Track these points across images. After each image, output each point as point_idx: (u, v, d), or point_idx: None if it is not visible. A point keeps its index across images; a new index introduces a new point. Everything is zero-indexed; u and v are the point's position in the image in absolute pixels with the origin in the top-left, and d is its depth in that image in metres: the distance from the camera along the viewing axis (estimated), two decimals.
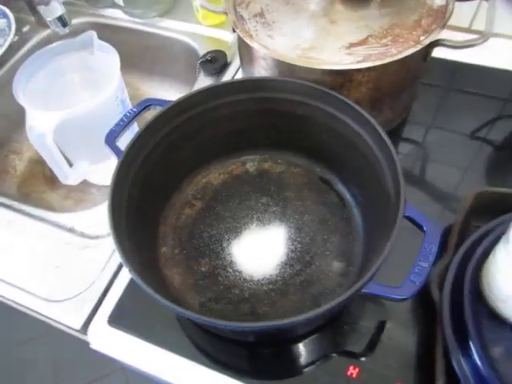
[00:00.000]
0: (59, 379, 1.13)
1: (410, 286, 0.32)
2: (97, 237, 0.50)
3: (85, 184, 0.67)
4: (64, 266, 0.48)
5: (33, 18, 0.77)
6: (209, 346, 0.43)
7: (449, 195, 0.52)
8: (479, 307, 0.37)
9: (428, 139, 0.58)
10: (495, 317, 0.36)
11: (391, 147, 0.38)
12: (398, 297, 0.32)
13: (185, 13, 0.73)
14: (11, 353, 1.18)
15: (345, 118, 0.43)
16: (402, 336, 0.42)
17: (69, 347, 1.11)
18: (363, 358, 0.41)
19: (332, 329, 0.43)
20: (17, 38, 0.74)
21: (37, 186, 0.71)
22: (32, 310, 0.47)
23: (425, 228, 0.34)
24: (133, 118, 0.44)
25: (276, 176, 0.51)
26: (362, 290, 0.32)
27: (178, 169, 0.49)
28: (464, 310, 0.35)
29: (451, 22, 0.46)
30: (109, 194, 0.38)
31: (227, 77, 0.63)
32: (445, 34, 0.46)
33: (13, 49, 0.72)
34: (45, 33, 0.77)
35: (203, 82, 0.63)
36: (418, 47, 0.43)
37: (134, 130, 0.57)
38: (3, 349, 1.19)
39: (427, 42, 0.43)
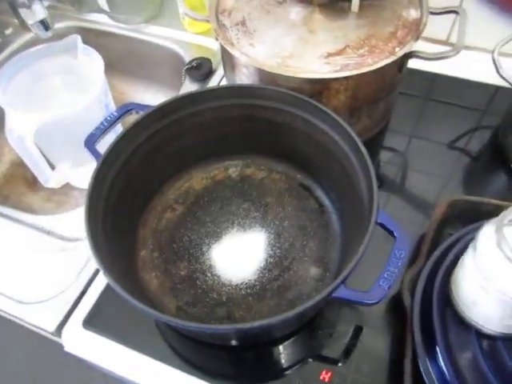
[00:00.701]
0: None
1: (379, 291, 0.32)
2: (76, 239, 0.50)
3: (67, 187, 0.67)
4: (40, 268, 0.48)
5: (16, 21, 0.77)
6: (186, 351, 0.43)
7: (426, 203, 0.54)
8: (447, 313, 0.37)
9: (407, 148, 0.59)
10: (462, 322, 0.36)
11: (366, 154, 0.39)
12: (367, 301, 0.32)
13: (170, 19, 0.74)
14: None
15: (323, 125, 0.44)
16: (374, 341, 0.43)
17: (49, 355, 1.10)
18: (337, 363, 0.42)
19: (307, 334, 0.44)
20: (0, 40, 0.74)
21: (17, 189, 0.71)
22: (5, 312, 0.46)
23: (395, 234, 0.35)
24: (114, 122, 0.45)
25: (258, 182, 0.51)
26: (333, 295, 0.33)
27: (160, 172, 0.49)
28: (433, 315, 0.36)
29: (430, 34, 0.47)
30: (86, 197, 0.39)
31: (212, 83, 0.64)
32: (423, 46, 0.47)
33: None
34: (28, 36, 0.76)
35: (188, 87, 0.64)
36: (393, 58, 0.44)
37: (118, 133, 0.57)
38: None
39: (401, 53, 0.45)
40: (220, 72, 0.65)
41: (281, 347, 0.43)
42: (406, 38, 0.46)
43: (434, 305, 0.36)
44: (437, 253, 0.40)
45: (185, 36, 0.71)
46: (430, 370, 0.34)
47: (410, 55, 0.46)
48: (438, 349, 0.34)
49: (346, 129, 0.41)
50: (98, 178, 0.40)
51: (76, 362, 0.44)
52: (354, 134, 0.41)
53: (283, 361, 0.43)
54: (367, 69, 0.43)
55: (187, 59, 0.68)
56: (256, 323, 0.31)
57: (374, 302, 0.32)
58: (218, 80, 0.65)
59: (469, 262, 0.35)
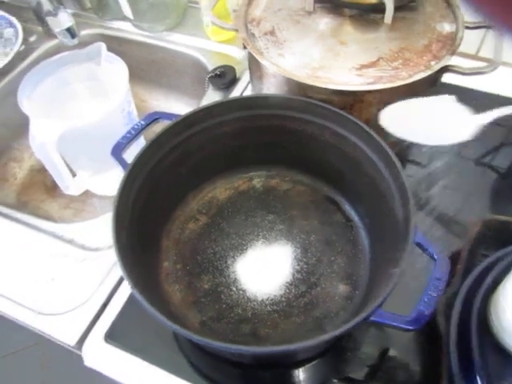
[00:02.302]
0: None
1: (420, 316, 0.31)
2: (96, 249, 0.49)
3: (85, 194, 0.66)
4: (60, 278, 0.47)
5: (40, 28, 0.77)
6: (206, 367, 0.42)
7: (452, 220, 0.52)
8: (486, 339, 0.36)
9: (433, 163, 0.57)
10: (502, 350, 0.35)
11: (400, 170, 0.38)
12: (408, 327, 0.31)
13: (193, 28, 0.74)
14: (3, 361, 1.14)
15: (354, 138, 0.43)
16: (404, 365, 0.41)
17: (58, 359, 1.09)
18: None
19: (333, 354, 0.42)
20: (23, 47, 0.74)
21: (36, 195, 0.70)
22: (24, 324, 0.45)
23: (435, 256, 0.34)
24: (140, 131, 0.44)
25: (282, 193, 0.50)
26: (370, 318, 0.31)
27: (184, 182, 0.48)
28: (471, 342, 0.35)
29: (459, 48, 0.46)
30: (113, 206, 0.38)
31: (236, 92, 0.63)
32: (452, 60, 0.46)
33: (18, 58, 0.72)
34: (52, 43, 0.77)
35: (212, 96, 0.63)
36: (429, 72, 0.43)
37: (139, 142, 0.57)
38: None
39: (438, 67, 0.43)
40: (244, 81, 0.65)
41: (307, 366, 0.42)
42: (441, 51, 0.45)
43: (472, 331, 0.35)
44: (473, 275, 0.39)
45: (208, 44, 0.71)
46: None
47: (445, 69, 0.45)
48: (478, 379, 0.33)
49: (380, 143, 0.40)
50: (125, 187, 0.39)
51: (86, 369, 0.43)
52: (387, 149, 0.39)
53: (309, 381, 0.41)
54: (402, 82, 0.42)
55: (210, 67, 0.67)
56: (292, 346, 0.30)
57: (414, 327, 0.31)
58: (241, 89, 0.64)
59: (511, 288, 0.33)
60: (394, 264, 0.35)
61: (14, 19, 0.75)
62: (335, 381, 0.41)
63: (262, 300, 0.43)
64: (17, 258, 0.50)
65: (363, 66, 0.44)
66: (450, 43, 0.46)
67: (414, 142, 0.42)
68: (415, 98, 0.43)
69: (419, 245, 0.35)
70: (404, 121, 0.42)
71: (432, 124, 0.43)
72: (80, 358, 0.44)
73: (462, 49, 0.63)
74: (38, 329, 0.44)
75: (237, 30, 0.49)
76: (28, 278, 0.47)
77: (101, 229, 0.51)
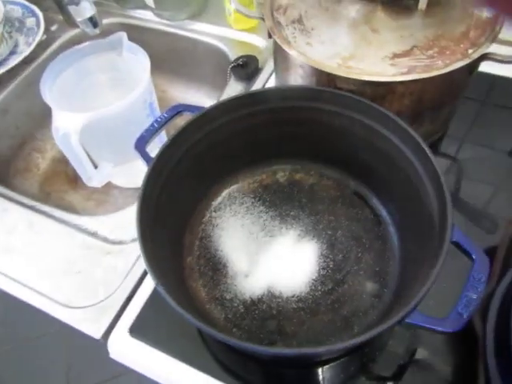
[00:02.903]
0: (71, 376, 1.12)
1: (458, 319, 0.30)
2: (120, 242, 0.49)
3: (107, 186, 0.66)
4: (86, 271, 0.47)
5: (61, 17, 0.77)
6: (230, 362, 0.42)
7: (484, 215, 0.50)
8: None
9: (465, 155, 0.55)
10: None
11: (436, 164, 0.36)
12: (445, 330, 0.29)
13: (215, 16, 0.72)
14: (24, 348, 1.18)
15: (385, 131, 0.41)
16: (435, 366, 0.39)
17: (82, 345, 1.11)
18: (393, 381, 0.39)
19: (361, 353, 0.41)
20: (45, 36, 0.74)
21: (59, 186, 0.71)
22: (50, 316, 0.45)
23: (473, 256, 0.32)
24: (164, 124, 0.43)
25: (308, 188, 0.49)
26: (406, 320, 0.30)
27: (207, 177, 0.47)
28: (510, 344, 0.33)
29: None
30: (137, 201, 0.37)
31: (258, 82, 0.62)
32: (491, 48, 0.43)
33: (40, 47, 0.72)
34: (73, 32, 0.76)
35: (234, 86, 0.62)
36: (467, 61, 0.41)
37: (160, 136, 0.56)
38: (16, 344, 1.19)
39: (476, 55, 0.41)
40: (266, 71, 0.63)
41: (334, 364, 0.41)
42: (480, 38, 0.43)
43: (511, 333, 0.33)
44: (511, 274, 0.37)
45: (230, 33, 0.69)
46: None
47: (483, 57, 0.42)
48: None
49: (413, 136, 0.38)
50: (150, 181, 0.39)
51: (109, 356, 0.43)
52: (422, 142, 0.38)
53: (336, 379, 0.40)
54: (438, 72, 0.40)
55: (232, 57, 0.66)
56: (321, 349, 0.29)
57: (452, 330, 0.29)
58: (264, 79, 0.62)
59: None
60: (429, 263, 0.34)
61: (35, 8, 0.74)
62: (363, 379, 0.40)
63: (288, 297, 0.42)
64: (44, 251, 0.50)
65: (396, 55, 0.42)
66: (490, 29, 0.43)
67: None
68: None
69: (456, 243, 0.33)
70: None
71: None
72: (103, 346, 0.44)
73: (500, 35, 0.60)
74: (64, 322, 0.44)
75: (262, 18, 0.48)
76: (55, 271, 0.48)
77: (124, 222, 0.51)
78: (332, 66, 0.42)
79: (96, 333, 0.43)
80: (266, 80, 0.62)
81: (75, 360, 1.14)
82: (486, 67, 0.55)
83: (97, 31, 0.59)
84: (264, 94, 0.44)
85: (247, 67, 0.62)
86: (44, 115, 0.73)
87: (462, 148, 0.56)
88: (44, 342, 1.18)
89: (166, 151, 0.40)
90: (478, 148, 0.56)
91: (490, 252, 0.43)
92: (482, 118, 0.58)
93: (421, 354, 0.40)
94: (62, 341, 1.15)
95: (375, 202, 0.47)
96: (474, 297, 0.30)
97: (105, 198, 0.68)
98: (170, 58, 0.75)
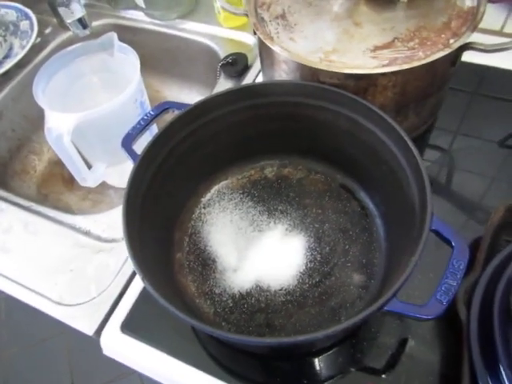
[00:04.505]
0: (76, 377, 1.13)
1: (437, 306, 0.30)
2: (112, 240, 0.50)
3: (102, 186, 0.67)
4: (78, 269, 0.48)
5: (55, 20, 0.78)
6: (223, 357, 0.42)
7: (475, 205, 0.50)
8: (509, 328, 0.34)
9: (454, 146, 0.55)
10: None
11: (418, 157, 0.36)
12: (424, 316, 0.30)
13: (205, 15, 0.73)
14: (28, 351, 1.19)
15: (368, 124, 0.41)
16: (423, 354, 0.40)
17: (86, 346, 1.12)
18: (383, 375, 0.39)
19: (350, 344, 0.41)
20: (39, 39, 0.75)
21: (56, 187, 0.72)
22: (44, 313, 0.46)
23: (453, 243, 0.32)
24: (150, 121, 0.43)
25: (295, 182, 0.49)
26: (385, 308, 0.30)
27: (196, 173, 0.48)
28: (494, 331, 0.33)
29: (482, 24, 0.43)
30: (123, 199, 0.38)
31: (248, 80, 0.62)
32: (473, 37, 0.43)
33: (35, 50, 0.73)
34: (66, 35, 0.77)
35: (223, 84, 0.62)
36: (448, 51, 0.41)
37: (153, 132, 0.57)
38: (21, 346, 1.20)
39: (457, 45, 0.41)
40: (256, 68, 0.64)
41: (323, 356, 0.41)
42: (461, 28, 0.43)
43: (494, 320, 0.33)
44: (495, 262, 0.37)
45: (220, 31, 0.70)
46: None
47: (465, 47, 0.42)
48: (501, 367, 0.31)
49: (395, 128, 0.39)
50: (136, 178, 0.39)
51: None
52: (404, 134, 0.38)
53: (326, 371, 0.41)
54: (418, 62, 0.40)
55: (222, 55, 0.66)
56: (301, 337, 0.29)
57: (431, 317, 0.30)
58: (253, 76, 0.63)
59: None
60: (410, 252, 0.34)
61: (29, 11, 0.75)
62: (353, 370, 0.40)
63: (276, 290, 0.42)
64: (38, 250, 0.51)
65: (377, 48, 0.43)
66: (472, 19, 0.43)
67: None
68: None
69: (436, 232, 0.33)
70: None
71: None
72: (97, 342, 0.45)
73: (486, 25, 0.60)
74: (57, 318, 0.45)
75: (247, 15, 0.48)
76: (48, 270, 0.48)
77: (116, 220, 0.52)
78: (314, 60, 0.43)
79: (89, 330, 0.44)
80: (256, 77, 0.63)
81: (79, 362, 1.15)
82: (474, 58, 0.56)
83: (87, 32, 0.60)
84: (249, 89, 0.45)
85: (236, 65, 0.63)
86: (40, 117, 0.73)
87: (453, 139, 0.56)
88: (48, 344, 1.19)
89: (151, 149, 0.41)
90: (468, 139, 0.56)
91: (477, 243, 0.43)
92: (472, 108, 0.58)
93: (409, 343, 0.41)
94: (66, 343, 1.17)
95: (362, 195, 0.47)
96: (454, 284, 0.31)
97: (101, 197, 0.69)
98: (162, 57, 0.76)
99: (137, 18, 0.75)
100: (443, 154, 0.55)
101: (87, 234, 0.51)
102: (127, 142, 0.42)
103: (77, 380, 1.13)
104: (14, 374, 1.16)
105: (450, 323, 0.40)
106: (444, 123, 0.57)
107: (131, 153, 0.41)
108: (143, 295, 0.45)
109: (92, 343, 0.47)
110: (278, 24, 0.47)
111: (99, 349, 0.44)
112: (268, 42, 0.44)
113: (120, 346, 0.43)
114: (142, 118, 0.43)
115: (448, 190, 0.52)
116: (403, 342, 0.41)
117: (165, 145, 0.42)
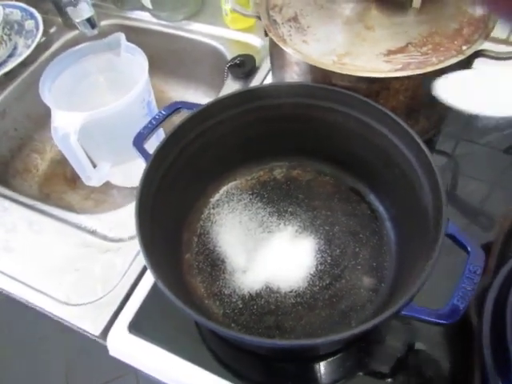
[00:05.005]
0: (71, 378, 1.12)
1: (454, 310, 0.30)
2: (119, 240, 0.49)
3: (105, 185, 0.67)
4: (84, 269, 0.47)
5: (60, 20, 0.77)
6: (229, 358, 0.42)
7: (480, 211, 0.50)
8: None
9: (460, 152, 0.56)
10: None
11: (431, 160, 0.36)
12: (442, 321, 0.30)
13: (212, 16, 0.73)
14: (23, 350, 1.17)
15: (381, 127, 0.42)
16: (432, 359, 0.40)
17: (82, 348, 1.11)
18: (391, 379, 0.39)
19: (358, 347, 0.41)
20: (44, 38, 0.74)
21: (58, 187, 0.71)
22: (50, 313, 0.46)
23: (469, 248, 0.33)
24: (162, 121, 0.43)
25: (305, 184, 0.49)
26: (402, 312, 0.30)
27: (204, 174, 0.48)
28: (506, 336, 0.33)
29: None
30: (136, 197, 0.37)
31: (255, 81, 0.62)
32: (483, 45, 0.44)
33: (39, 50, 0.72)
34: (71, 34, 0.77)
35: (231, 85, 0.62)
36: (461, 57, 0.41)
37: (160, 135, 0.56)
38: (15, 346, 1.18)
39: (470, 52, 0.42)
40: (263, 70, 0.64)
41: (331, 360, 0.41)
42: (473, 35, 0.43)
43: (507, 327, 0.33)
44: (507, 268, 0.37)
45: (227, 33, 0.70)
46: None
47: (477, 54, 0.43)
48: None
49: (409, 132, 0.39)
50: (148, 178, 0.39)
51: (108, 358, 0.43)
52: (417, 138, 0.38)
53: (333, 374, 0.41)
54: (432, 68, 0.40)
55: (229, 56, 0.66)
56: (320, 340, 0.29)
57: (448, 322, 0.30)
58: (261, 78, 0.63)
59: None
60: (424, 256, 0.34)
61: (34, 11, 0.75)
62: (360, 374, 0.40)
63: (286, 292, 0.42)
64: (43, 249, 0.50)
65: (391, 52, 0.43)
66: (483, 26, 0.44)
67: (481, 114, 0.39)
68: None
69: (451, 236, 0.33)
70: (466, 91, 0.39)
71: (497, 94, 0.40)
72: (103, 347, 0.44)
73: (492, 33, 0.61)
74: (63, 319, 0.44)
75: (258, 17, 0.48)
76: (54, 269, 0.48)
77: (122, 220, 0.51)
78: (327, 62, 0.43)
79: (95, 330, 0.43)
80: (263, 79, 0.63)
81: (75, 362, 1.14)
82: (480, 65, 0.56)
83: (95, 32, 0.60)
84: (260, 90, 0.45)
85: (244, 66, 0.63)
86: (43, 117, 0.73)
87: (458, 145, 0.56)
88: (44, 344, 1.17)
89: (163, 148, 0.41)
90: (473, 145, 0.56)
91: (485, 248, 0.43)
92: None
93: (418, 348, 0.41)
94: (62, 343, 1.15)
95: (372, 198, 0.47)
96: (470, 289, 0.31)
97: (103, 197, 0.69)
98: (168, 58, 0.76)
99: (143, 18, 0.75)
100: (449, 159, 0.55)
101: (93, 233, 0.50)
102: (139, 141, 0.42)
103: (72, 379, 1.12)
104: (6, 374, 1.14)
105: (459, 328, 0.39)
106: (450, 129, 0.57)
107: (143, 152, 0.41)
108: (151, 295, 0.44)
109: (89, 343, 0.46)
110: (290, 26, 0.47)
111: (96, 349, 0.43)
112: (281, 44, 0.44)
113: (127, 347, 0.42)
114: (154, 118, 0.43)
115: (453, 194, 0.52)
116: (411, 346, 0.41)
117: (176, 144, 0.42)
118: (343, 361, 0.41)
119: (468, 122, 0.58)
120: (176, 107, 0.44)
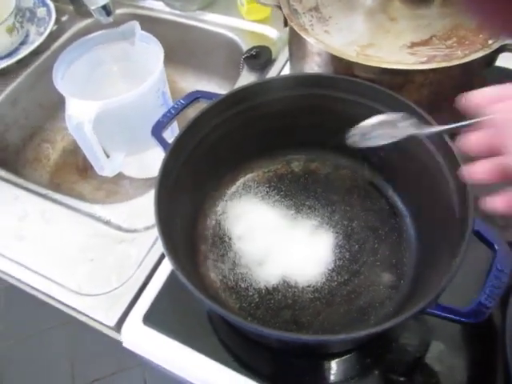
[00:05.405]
0: (76, 370, 1.12)
1: (481, 309, 0.29)
2: (134, 231, 0.49)
3: (117, 176, 0.66)
4: (99, 259, 0.47)
5: (71, 8, 0.77)
6: (242, 352, 0.41)
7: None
8: None
9: None
10: None
11: (458, 156, 0.36)
12: (469, 320, 0.29)
13: (226, 7, 0.72)
14: (27, 343, 1.17)
15: None
16: (451, 359, 0.39)
17: (87, 341, 1.11)
18: (408, 379, 0.39)
19: (374, 344, 0.41)
20: (55, 27, 0.74)
21: (69, 176, 0.71)
22: (63, 304, 0.45)
23: (496, 246, 0.32)
24: (181, 110, 0.43)
25: (323, 178, 0.48)
26: (427, 310, 0.30)
27: (222, 165, 0.47)
28: None
29: None
30: (156, 186, 0.37)
31: (272, 73, 0.61)
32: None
33: (51, 38, 0.72)
34: (83, 22, 0.76)
35: (247, 77, 0.61)
36: (487, 51, 0.40)
37: (174, 129, 0.56)
38: (18, 337, 1.18)
39: (496, 46, 0.41)
40: (280, 61, 0.63)
41: (347, 357, 0.40)
42: None
43: None
44: None
45: (242, 24, 0.69)
46: None
47: (503, 49, 0.41)
48: None
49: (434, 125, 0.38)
50: (167, 166, 0.38)
51: (114, 350, 0.42)
52: (445, 135, 0.37)
53: (348, 371, 0.40)
54: (458, 61, 0.39)
55: (244, 48, 0.65)
56: (342, 336, 0.28)
57: (474, 321, 0.29)
58: (278, 69, 0.62)
59: None
60: (447, 253, 0.33)
61: None
62: (376, 372, 0.39)
63: (303, 287, 0.42)
64: (56, 238, 0.49)
65: (415, 44, 0.42)
66: None
67: None
68: None
69: (478, 233, 0.33)
70: None
71: None
72: (107, 337, 0.44)
73: None
74: (77, 309, 0.44)
75: (279, 6, 0.47)
76: (67, 259, 0.47)
77: (136, 210, 0.51)
78: (350, 53, 0.42)
79: (109, 321, 0.43)
80: (280, 70, 0.62)
81: (79, 354, 1.14)
82: (504, 62, 0.55)
83: (110, 19, 0.59)
84: (279, 81, 0.44)
85: (260, 58, 0.62)
86: (54, 106, 0.73)
87: None
88: (47, 336, 1.17)
89: (183, 137, 0.40)
90: None
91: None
92: None
93: (436, 347, 0.40)
94: (66, 335, 1.15)
95: (391, 193, 0.46)
96: (498, 287, 0.30)
97: (115, 188, 0.68)
98: (181, 48, 0.75)
99: (157, 8, 0.74)
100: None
101: (107, 223, 0.50)
102: (157, 130, 0.41)
103: (77, 372, 1.12)
104: (10, 367, 1.14)
105: (479, 327, 0.38)
106: None
107: (161, 141, 0.41)
108: (166, 287, 0.44)
109: (93, 334, 0.46)
110: (311, 16, 0.46)
111: (101, 341, 0.42)
112: (303, 34, 0.43)
113: (142, 339, 0.42)
114: (173, 107, 0.42)
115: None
116: (428, 344, 0.40)
117: (196, 133, 0.42)
118: (358, 358, 0.40)
119: None
120: (195, 97, 0.43)
